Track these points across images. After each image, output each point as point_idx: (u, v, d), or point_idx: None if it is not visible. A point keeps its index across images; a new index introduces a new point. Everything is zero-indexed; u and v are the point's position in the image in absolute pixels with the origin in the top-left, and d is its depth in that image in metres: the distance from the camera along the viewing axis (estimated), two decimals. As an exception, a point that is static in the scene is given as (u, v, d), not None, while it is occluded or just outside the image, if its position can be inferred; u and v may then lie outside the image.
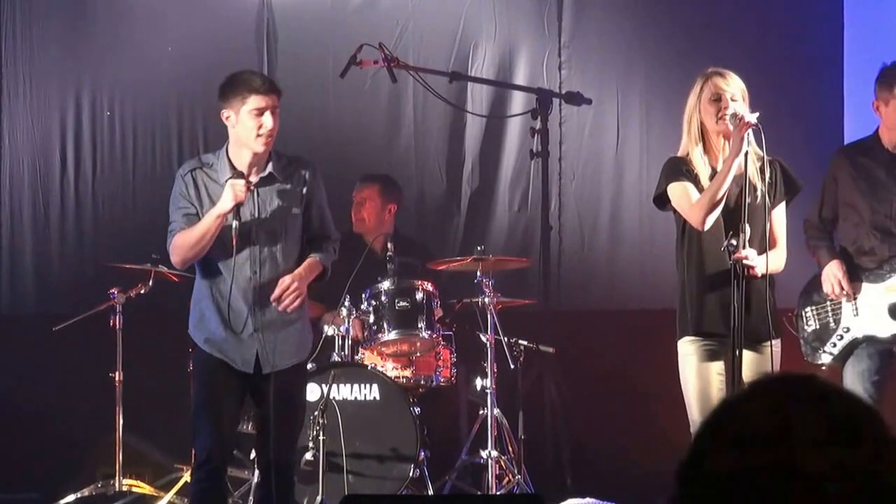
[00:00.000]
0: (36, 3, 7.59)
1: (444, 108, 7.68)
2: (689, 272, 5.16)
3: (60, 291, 7.50)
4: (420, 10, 7.70)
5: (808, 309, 5.88)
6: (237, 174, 5.12)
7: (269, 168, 5.23)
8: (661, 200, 5.25)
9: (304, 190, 5.27)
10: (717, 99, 5.09)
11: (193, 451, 5.25)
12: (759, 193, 5.05)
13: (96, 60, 7.62)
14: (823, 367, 5.84)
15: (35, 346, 7.28)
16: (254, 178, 5.18)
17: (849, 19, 7.69)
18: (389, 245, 6.81)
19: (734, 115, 4.99)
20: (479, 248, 6.66)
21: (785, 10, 7.76)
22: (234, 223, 5.08)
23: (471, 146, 7.77)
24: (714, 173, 5.11)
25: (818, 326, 5.84)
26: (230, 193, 5.05)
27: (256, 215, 5.18)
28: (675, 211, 5.22)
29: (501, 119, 7.72)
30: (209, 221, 5.08)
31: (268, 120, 5.11)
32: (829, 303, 5.80)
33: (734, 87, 5.11)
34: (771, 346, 5.12)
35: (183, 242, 5.12)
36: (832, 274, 5.74)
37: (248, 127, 5.11)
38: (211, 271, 5.19)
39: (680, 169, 5.15)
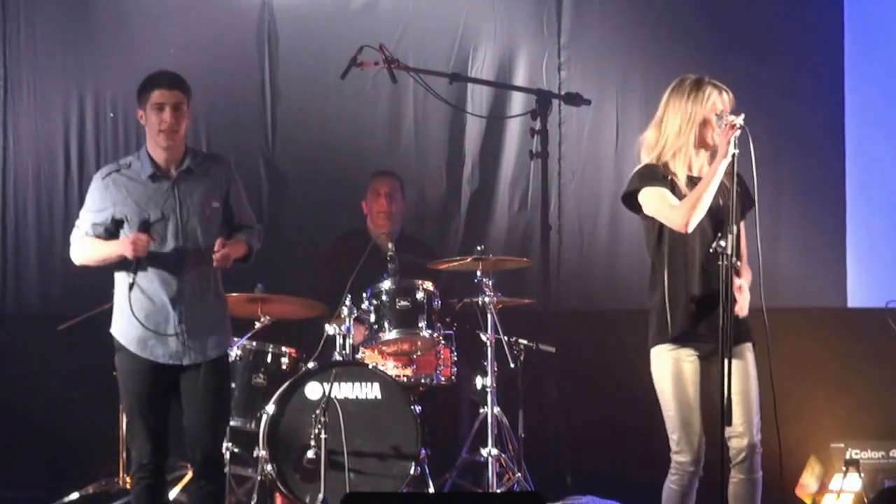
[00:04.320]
0: (39, 7, 7.63)
1: (445, 109, 7.72)
2: (667, 277, 5.12)
3: (64, 291, 7.53)
4: (420, 11, 7.74)
5: None
6: (144, 226, 5.23)
7: (187, 163, 5.35)
8: (631, 201, 5.20)
9: (223, 184, 5.38)
10: (720, 116, 5.07)
11: (132, 455, 5.34)
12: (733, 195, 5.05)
13: (99, 62, 7.66)
14: None
15: (39, 344, 7.32)
16: (173, 173, 5.30)
17: (849, 18, 7.72)
18: (390, 245, 6.85)
19: (720, 117, 5.00)
20: (479, 247, 6.70)
21: (785, 11, 7.78)
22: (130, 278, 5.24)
23: (471, 147, 7.81)
24: (690, 178, 5.12)
25: None
26: (128, 247, 5.20)
27: (178, 210, 5.28)
28: (644, 217, 5.18)
29: (501, 120, 7.76)
30: (108, 253, 5.30)
31: (166, 115, 5.22)
32: None
33: (729, 103, 5.11)
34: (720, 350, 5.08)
35: (83, 254, 5.38)
36: None
37: (151, 122, 5.27)
38: (131, 268, 5.26)
39: (656, 174, 5.12)
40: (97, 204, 5.33)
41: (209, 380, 5.31)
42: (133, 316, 5.23)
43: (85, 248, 5.37)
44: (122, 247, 5.24)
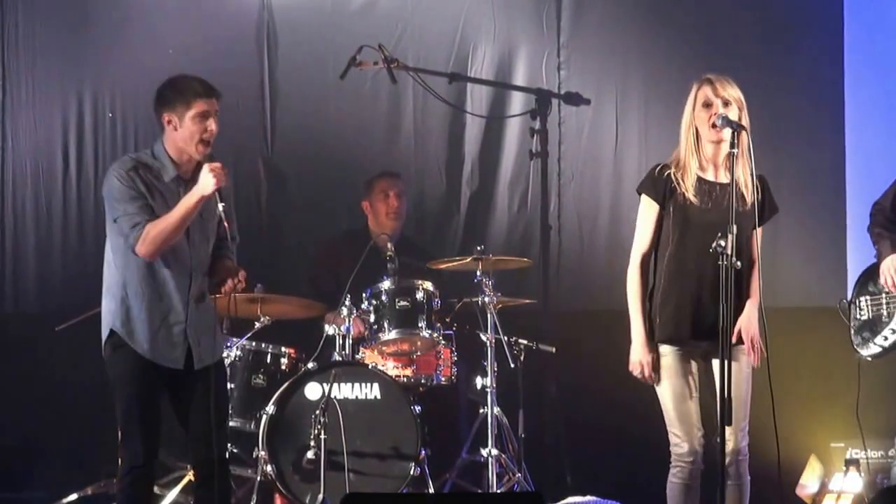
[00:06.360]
0: (38, 6, 7.62)
1: (444, 109, 7.71)
2: (662, 278, 5.16)
3: (62, 291, 7.53)
4: (419, 11, 7.73)
5: (862, 298, 5.77)
6: (208, 158, 5.14)
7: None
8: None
9: (222, 189, 5.25)
10: (709, 105, 5.09)
11: (122, 456, 5.20)
12: (747, 200, 5.05)
13: (98, 62, 7.66)
14: (869, 359, 5.78)
15: (37, 345, 7.31)
16: (188, 178, 5.21)
17: (849, 18, 7.72)
18: (390, 245, 6.84)
19: (724, 119, 5.00)
20: (478, 247, 6.69)
21: (784, 10, 7.79)
22: (221, 206, 5.11)
23: (470, 147, 7.81)
24: (700, 181, 5.11)
25: (871, 316, 5.73)
26: (211, 178, 5.06)
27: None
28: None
29: (501, 119, 7.75)
30: (190, 205, 5.08)
31: (212, 125, 5.16)
32: (885, 294, 5.69)
33: (725, 92, 5.09)
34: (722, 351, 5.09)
35: (161, 230, 5.07)
36: (891, 266, 5.61)
37: (191, 131, 5.16)
38: (142, 266, 5.17)
39: (653, 181, 5.17)
40: (133, 191, 5.13)
41: (216, 380, 5.28)
42: (144, 316, 5.16)
43: (162, 226, 5.06)
44: (200, 188, 5.06)
